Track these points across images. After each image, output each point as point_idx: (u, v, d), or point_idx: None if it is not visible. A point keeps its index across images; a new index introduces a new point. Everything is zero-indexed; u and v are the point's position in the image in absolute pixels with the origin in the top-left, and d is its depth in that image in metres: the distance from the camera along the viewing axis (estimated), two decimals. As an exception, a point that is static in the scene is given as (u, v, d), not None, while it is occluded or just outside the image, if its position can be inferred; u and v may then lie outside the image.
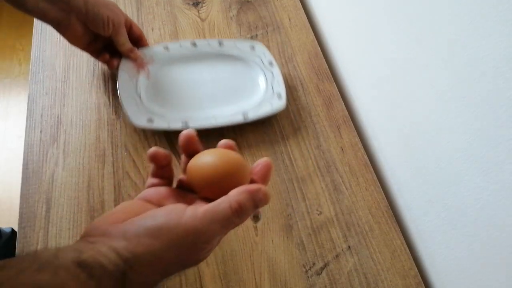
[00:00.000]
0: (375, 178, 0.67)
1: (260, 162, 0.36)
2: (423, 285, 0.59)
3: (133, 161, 0.65)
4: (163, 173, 0.38)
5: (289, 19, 0.85)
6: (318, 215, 0.63)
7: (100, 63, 0.75)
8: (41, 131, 0.67)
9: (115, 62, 0.67)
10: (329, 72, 0.79)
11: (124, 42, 0.65)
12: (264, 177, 0.36)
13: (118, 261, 0.29)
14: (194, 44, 0.74)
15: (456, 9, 0.48)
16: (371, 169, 0.68)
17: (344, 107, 0.74)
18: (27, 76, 0.71)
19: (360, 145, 0.70)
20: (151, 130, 0.67)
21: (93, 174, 0.63)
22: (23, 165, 0.63)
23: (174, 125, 0.65)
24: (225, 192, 0.32)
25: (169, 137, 0.67)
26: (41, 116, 0.68)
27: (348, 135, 0.71)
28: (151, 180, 0.38)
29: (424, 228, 0.61)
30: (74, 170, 0.63)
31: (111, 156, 0.65)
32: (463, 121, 0.50)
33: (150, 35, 0.79)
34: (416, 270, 0.60)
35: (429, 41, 0.53)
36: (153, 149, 0.36)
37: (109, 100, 0.71)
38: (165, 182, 0.38)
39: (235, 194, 0.32)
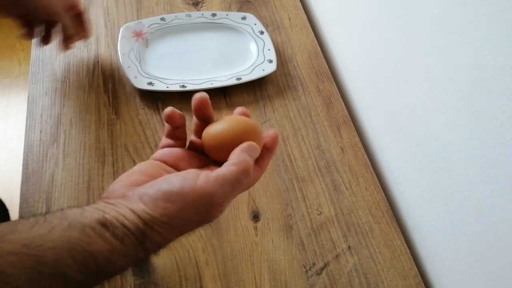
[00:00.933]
0: (375, 178, 0.67)
1: (269, 133, 0.39)
2: (423, 285, 0.58)
3: (133, 161, 0.65)
4: (177, 134, 0.40)
5: (289, 19, 0.85)
6: (318, 215, 0.63)
7: (100, 63, 0.75)
8: (41, 131, 0.67)
9: (48, 40, 0.69)
10: (329, 72, 0.79)
11: (65, 28, 0.66)
12: (272, 147, 0.39)
13: (138, 222, 0.32)
14: (189, 15, 0.80)
15: (457, 9, 0.48)
16: (371, 169, 0.68)
17: (344, 107, 0.74)
18: (27, 76, 0.71)
19: (360, 145, 0.70)
20: (151, 92, 0.70)
21: (93, 174, 0.63)
22: (23, 165, 0.63)
23: (173, 87, 0.70)
24: None
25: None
26: (41, 116, 0.68)
27: (348, 135, 0.71)
28: (166, 141, 0.40)
29: (424, 228, 0.61)
30: (74, 170, 0.63)
31: (111, 156, 0.65)
32: (463, 121, 0.50)
33: (150, 35, 0.79)
34: (416, 270, 0.60)
35: (430, 42, 0.53)
36: (169, 109, 0.38)
37: (109, 100, 0.71)
38: (179, 143, 0.40)
39: (237, 155, 0.34)
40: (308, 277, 0.58)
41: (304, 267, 0.58)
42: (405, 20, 0.58)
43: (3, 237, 0.29)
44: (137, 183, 0.35)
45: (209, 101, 0.39)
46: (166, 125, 0.39)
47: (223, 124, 0.38)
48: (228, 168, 0.33)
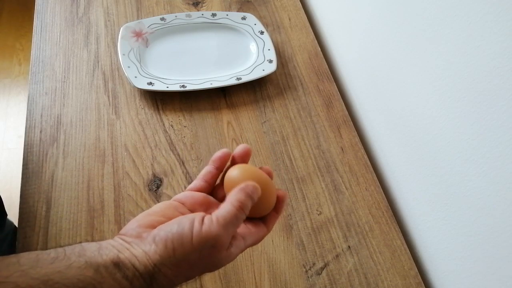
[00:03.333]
0: (375, 178, 0.67)
1: (279, 194, 0.41)
2: (423, 285, 0.58)
3: (133, 161, 0.65)
4: (212, 177, 0.42)
5: (289, 19, 0.85)
6: (318, 215, 0.63)
7: (100, 63, 0.75)
8: (41, 131, 0.67)
9: None
10: (329, 72, 0.79)
11: None
12: (279, 209, 0.41)
13: (148, 264, 0.34)
14: (189, 15, 0.80)
15: (456, 9, 0.48)
16: (371, 169, 0.68)
17: (344, 107, 0.74)
18: (27, 76, 0.71)
19: (360, 145, 0.70)
20: (151, 92, 0.69)
21: (93, 174, 0.63)
22: (23, 165, 0.63)
23: (173, 87, 0.71)
24: (256, 208, 0.38)
25: (168, 132, 0.67)
26: (41, 116, 0.68)
27: (348, 135, 0.71)
28: (196, 182, 0.42)
29: (424, 228, 0.61)
30: (74, 170, 0.63)
31: (111, 156, 0.65)
32: (463, 121, 0.50)
33: (150, 35, 0.79)
34: (416, 270, 0.60)
35: (430, 41, 0.53)
36: (225, 150, 0.41)
37: (109, 100, 0.71)
38: (207, 187, 0.42)
39: (233, 196, 0.36)
40: (308, 277, 0.58)
41: (304, 267, 0.58)
42: (405, 20, 0.58)
43: (25, 271, 0.31)
44: (153, 224, 0.36)
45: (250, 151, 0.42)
46: (207, 168, 0.41)
47: (241, 173, 0.39)
48: (225, 208, 0.35)
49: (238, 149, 0.41)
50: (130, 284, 0.33)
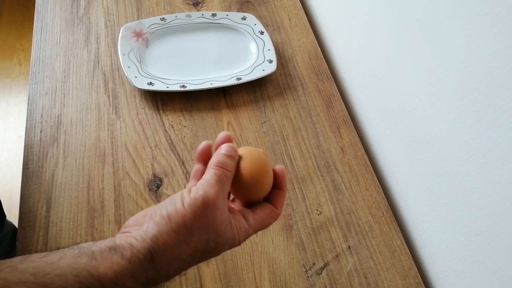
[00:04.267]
0: (375, 178, 0.67)
1: (275, 169, 0.40)
2: (423, 285, 0.58)
3: (133, 161, 0.65)
4: (201, 175, 0.40)
5: (289, 19, 0.85)
6: (318, 215, 0.63)
7: (100, 63, 0.75)
8: (41, 131, 0.67)
9: None
10: (329, 72, 0.79)
11: None
12: (282, 185, 0.40)
13: (146, 237, 0.33)
14: (189, 16, 0.80)
15: (457, 9, 0.48)
16: (371, 169, 0.68)
17: (344, 107, 0.74)
18: (27, 76, 0.71)
19: (360, 145, 0.70)
20: (151, 93, 0.69)
21: (93, 174, 0.63)
22: (23, 165, 0.63)
23: (173, 87, 0.71)
24: (254, 189, 0.38)
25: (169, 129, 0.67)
26: (41, 116, 0.68)
27: (348, 135, 0.71)
28: (192, 183, 0.40)
29: (424, 228, 0.61)
30: (74, 170, 0.63)
31: (111, 156, 0.65)
32: (463, 121, 0.50)
33: (150, 35, 0.79)
34: (416, 270, 0.60)
35: (430, 42, 0.53)
36: (206, 144, 0.40)
37: (109, 100, 0.71)
38: None
39: (212, 160, 0.37)
40: (308, 277, 0.58)
41: (304, 267, 0.58)
42: (405, 20, 0.58)
43: (14, 266, 0.30)
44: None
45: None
46: (196, 167, 0.40)
47: (244, 158, 0.39)
48: (207, 172, 0.36)
49: (219, 139, 0.40)
50: (129, 263, 0.32)
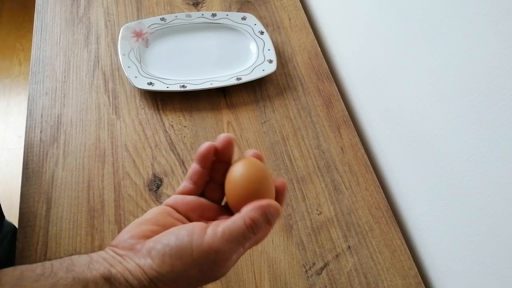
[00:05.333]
0: (375, 178, 0.67)
1: (277, 182, 0.38)
2: (423, 285, 0.58)
3: (133, 161, 0.65)
4: (199, 178, 0.38)
5: (289, 19, 0.85)
6: (318, 215, 0.63)
7: (100, 63, 0.75)
8: (41, 131, 0.67)
9: None
10: (329, 72, 0.79)
11: None
12: (281, 201, 0.38)
13: (143, 279, 0.31)
14: (189, 16, 0.80)
15: (456, 9, 0.48)
16: (371, 169, 0.68)
17: (344, 107, 0.74)
18: (27, 76, 0.71)
19: (360, 145, 0.70)
20: (151, 93, 0.70)
21: (93, 174, 0.63)
22: (23, 165, 0.63)
23: (173, 87, 0.71)
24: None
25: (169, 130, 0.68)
26: (41, 116, 0.68)
27: (348, 135, 0.71)
28: (184, 184, 0.39)
29: (424, 228, 0.61)
30: (74, 170, 0.63)
31: (111, 156, 0.65)
32: (463, 121, 0.50)
33: (150, 35, 0.79)
34: (416, 270, 0.60)
35: (430, 42, 0.53)
36: (208, 144, 0.37)
37: (109, 100, 0.71)
38: (196, 189, 0.39)
39: (248, 211, 0.33)
40: (308, 277, 0.58)
41: (304, 267, 0.58)
42: (405, 20, 0.58)
43: None
44: (146, 234, 0.34)
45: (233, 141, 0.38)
46: (193, 167, 0.38)
47: (241, 171, 0.36)
48: (235, 222, 0.32)
49: (221, 141, 0.37)
50: None
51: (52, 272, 0.31)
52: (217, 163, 0.38)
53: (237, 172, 0.36)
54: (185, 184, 0.39)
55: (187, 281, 0.32)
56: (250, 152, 0.38)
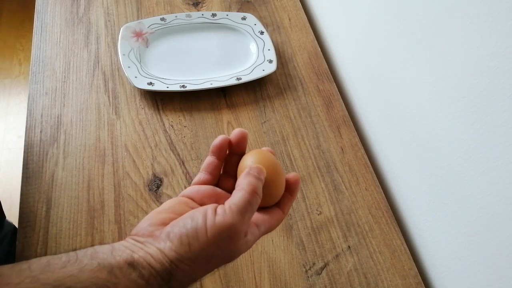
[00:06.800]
0: (375, 178, 0.67)
1: (290, 176, 0.40)
2: (423, 285, 0.58)
3: (133, 161, 0.65)
4: (214, 169, 0.41)
5: (289, 19, 0.85)
6: (318, 215, 0.63)
7: (100, 63, 0.75)
8: (41, 131, 0.67)
9: None
10: (329, 72, 0.79)
11: None
12: (294, 191, 0.40)
13: (164, 261, 0.33)
14: (189, 16, 0.80)
15: (456, 10, 0.48)
16: (371, 169, 0.68)
17: (344, 107, 0.74)
18: (27, 76, 0.72)
19: (360, 145, 0.70)
20: (151, 93, 0.69)
21: (93, 174, 0.63)
22: (23, 165, 0.63)
23: (173, 87, 0.71)
24: (267, 195, 0.37)
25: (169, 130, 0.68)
26: (41, 116, 0.68)
27: (348, 135, 0.71)
28: (199, 176, 0.41)
29: (424, 228, 0.61)
30: (74, 170, 0.63)
31: (111, 156, 0.65)
32: (463, 121, 0.50)
33: (150, 35, 0.79)
34: (416, 270, 0.60)
35: (430, 42, 0.53)
36: (223, 136, 0.39)
37: (109, 100, 0.71)
38: (212, 179, 0.41)
39: (241, 181, 0.35)
40: (308, 277, 0.58)
41: (304, 267, 0.58)
42: (405, 20, 0.58)
43: (36, 276, 0.30)
44: (165, 222, 0.36)
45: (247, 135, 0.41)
46: (208, 159, 0.40)
47: (253, 159, 0.38)
48: (237, 195, 0.34)
49: (234, 135, 0.40)
50: (147, 283, 0.32)
51: (78, 260, 0.32)
52: (231, 155, 0.41)
53: (249, 160, 0.39)
54: (200, 175, 0.41)
55: (206, 260, 0.34)
56: (263, 148, 0.41)
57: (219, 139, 0.39)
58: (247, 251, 0.37)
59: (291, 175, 0.40)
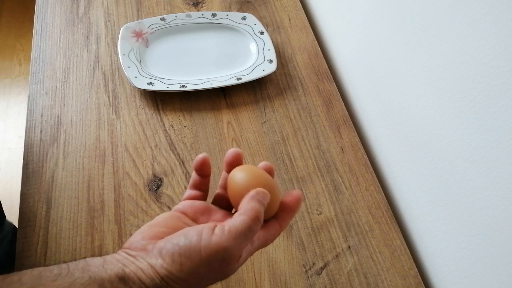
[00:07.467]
0: (375, 178, 0.67)
1: (292, 193, 0.39)
2: (423, 285, 0.58)
3: (133, 161, 0.65)
4: (202, 185, 0.40)
5: (289, 19, 0.85)
6: (318, 215, 0.63)
7: (100, 63, 0.75)
8: (41, 131, 0.67)
9: None
10: (329, 72, 0.79)
11: None
12: (294, 208, 0.39)
13: (155, 277, 0.32)
14: (189, 16, 0.80)
15: (456, 10, 0.48)
16: (371, 169, 0.68)
17: (344, 107, 0.74)
18: (27, 76, 0.72)
19: (360, 145, 0.70)
20: (151, 93, 0.69)
21: (93, 174, 0.63)
22: (23, 165, 0.63)
23: (173, 87, 0.71)
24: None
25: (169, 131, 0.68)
26: (41, 116, 0.68)
27: (348, 135, 0.71)
28: (189, 192, 0.41)
29: (424, 228, 0.61)
30: (74, 170, 0.63)
31: (111, 156, 0.65)
32: (463, 121, 0.50)
33: (150, 35, 0.79)
34: (416, 270, 0.60)
35: (430, 42, 0.53)
36: (203, 156, 0.39)
37: (109, 100, 0.71)
38: (202, 196, 0.41)
39: (245, 205, 0.34)
40: (308, 277, 0.58)
41: (304, 267, 0.58)
42: (405, 20, 0.58)
43: None
44: (158, 235, 0.35)
45: (241, 155, 0.40)
46: (193, 176, 0.40)
47: (247, 177, 0.37)
48: (238, 218, 0.33)
49: (229, 156, 0.39)
50: None
51: (69, 273, 0.32)
52: (225, 175, 0.40)
53: (238, 175, 0.38)
54: (189, 192, 0.40)
55: (197, 280, 0.33)
56: (261, 164, 0.40)
57: (198, 158, 0.39)
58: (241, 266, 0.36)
59: (294, 192, 0.39)
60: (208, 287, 0.36)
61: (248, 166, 0.39)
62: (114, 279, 0.32)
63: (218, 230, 0.33)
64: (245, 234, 0.33)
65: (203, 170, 0.39)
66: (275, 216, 0.38)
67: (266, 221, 0.38)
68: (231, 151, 0.39)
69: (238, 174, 0.38)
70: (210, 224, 0.34)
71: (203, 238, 0.32)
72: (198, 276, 0.33)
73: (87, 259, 0.34)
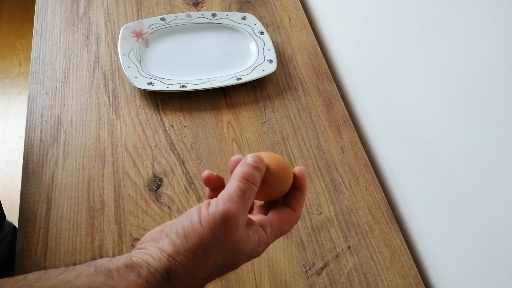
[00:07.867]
0: (375, 178, 0.67)
1: (295, 171, 0.39)
2: (423, 285, 0.58)
3: (133, 161, 0.65)
4: (214, 196, 0.40)
5: (289, 19, 0.85)
6: (318, 215, 0.63)
7: (100, 63, 0.75)
8: (41, 131, 0.67)
9: None
10: (329, 72, 0.79)
11: None
12: (301, 187, 0.39)
13: (162, 257, 0.33)
14: (189, 16, 0.80)
15: (456, 10, 0.48)
16: (371, 169, 0.68)
17: (344, 107, 0.74)
18: (27, 76, 0.72)
19: (360, 145, 0.70)
20: (151, 93, 0.69)
21: (93, 174, 0.63)
22: (23, 165, 0.63)
23: (173, 87, 0.71)
24: (273, 187, 0.37)
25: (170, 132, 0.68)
26: (41, 116, 0.68)
27: (348, 135, 0.71)
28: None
29: (424, 228, 0.61)
30: (74, 170, 0.63)
31: (111, 156, 0.65)
32: (463, 121, 0.50)
33: (150, 35, 0.79)
34: (416, 270, 0.60)
35: (430, 42, 0.53)
36: (206, 172, 0.39)
37: (109, 100, 0.71)
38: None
39: (236, 170, 0.35)
40: (308, 277, 0.58)
41: (304, 267, 0.58)
42: (405, 20, 0.58)
43: (30, 285, 0.30)
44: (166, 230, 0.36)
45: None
46: (206, 188, 0.40)
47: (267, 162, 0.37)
48: (229, 184, 0.34)
49: (233, 164, 0.39)
50: (146, 282, 0.31)
51: (75, 268, 0.32)
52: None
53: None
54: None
55: (204, 251, 0.33)
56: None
57: (204, 174, 0.39)
58: (259, 256, 0.36)
59: (296, 169, 0.39)
60: (211, 280, 0.35)
61: (265, 154, 0.39)
62: (121, 268, 0.32)
63: (213, 201, 0.34)
64: (238, 194, 0.33)
65: (212, 184, 0.39)
66: (286, 203, 0.38)
67: (278, 207, 0.38)
68: (234, 159, 0.39)
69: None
70: (206, 200, 0.35)
71: (202, 212, 0.33)
72: (205, 247, 0.33)
73: (96, 260, 0.34)
